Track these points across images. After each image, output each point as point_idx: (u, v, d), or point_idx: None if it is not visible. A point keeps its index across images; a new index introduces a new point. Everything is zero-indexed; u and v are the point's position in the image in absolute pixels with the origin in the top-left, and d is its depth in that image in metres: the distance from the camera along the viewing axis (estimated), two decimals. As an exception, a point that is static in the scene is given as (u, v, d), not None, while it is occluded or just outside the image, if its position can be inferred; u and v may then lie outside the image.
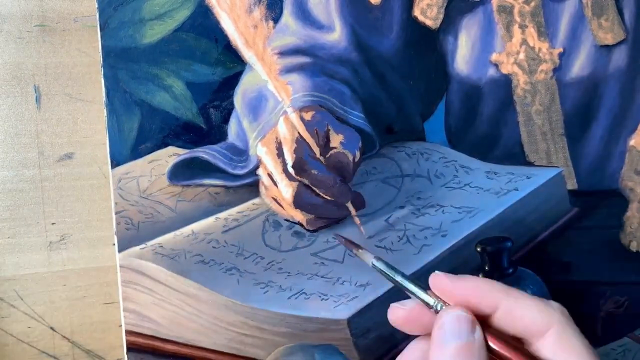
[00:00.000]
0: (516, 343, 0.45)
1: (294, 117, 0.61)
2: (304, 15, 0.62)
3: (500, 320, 0.45)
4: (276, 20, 0.62)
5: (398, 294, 0.66)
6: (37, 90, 0.62)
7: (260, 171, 0.62)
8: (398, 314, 0.47)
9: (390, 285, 0.65)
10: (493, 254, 0.62)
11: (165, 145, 0.61)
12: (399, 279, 0.47)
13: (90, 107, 0.63)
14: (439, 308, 0.45)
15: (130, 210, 0.61)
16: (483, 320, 0.45)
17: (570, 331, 0.44)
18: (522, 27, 0.65)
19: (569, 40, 0.66)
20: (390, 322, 0.47)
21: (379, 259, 0.48)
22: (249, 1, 0.61)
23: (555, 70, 0.66)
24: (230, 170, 0.62)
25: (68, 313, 0.64)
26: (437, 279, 0.46)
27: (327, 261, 0.63)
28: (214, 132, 0.61)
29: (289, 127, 0.61)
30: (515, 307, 0.45)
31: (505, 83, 0.65)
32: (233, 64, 0.61)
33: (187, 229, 0.61)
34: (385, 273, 0.48)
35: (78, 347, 0.64)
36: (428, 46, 0.64)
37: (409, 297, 0.47)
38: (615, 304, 0.69)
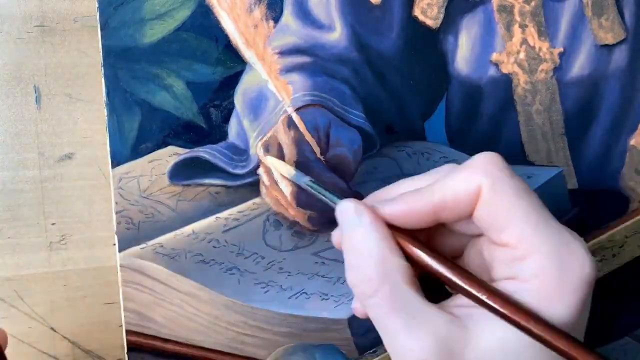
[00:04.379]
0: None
1: (294, 116, 0.62)
2: (305, 14, 0.62)
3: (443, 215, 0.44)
4: (276, 20, 0.62)
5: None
6: (37, 91, 0.62)
7: (260, 171, 0.62)
8: (337, 237, 0.49)
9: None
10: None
11: (166, 144, 0.61)
12: (329, 196, 0.51)
13: (90, 107, 0.63)
14: None
15: (130, 209, 0.60)
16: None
17: (501, 186, 0.42)
18: (523, 26, 0.65)
19: (569, 39, 0.66)
20: (335, 246, 0.49)
21: (311, 180, 0.53)
22: (250, 1, 0.61)
23: (555, 69, 0.66)
24: (230, 169, 0.62)
25: (68, 313, 0.64)
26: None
27: (327, 261, 0.63)
28: (215, 132, 0.61)
29: (289, 126, 0.61)
30: (435, 193, 0.44)
31: (505, 83, 0.65)
32: (233, 64, 0.61)
33: (187, 229, 0.61)
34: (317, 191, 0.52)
35: (78, 347, 0.64)
36: (428, 46, 0.65)
37: None
38: (615, 303, 0.69)
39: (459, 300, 0.44)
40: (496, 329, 0.41)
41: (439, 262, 0.44)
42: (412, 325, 0.41)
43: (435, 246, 0.47)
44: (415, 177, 0.48)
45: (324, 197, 0.51)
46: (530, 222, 0.41)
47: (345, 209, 0.46)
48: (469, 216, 0.43)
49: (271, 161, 0.60)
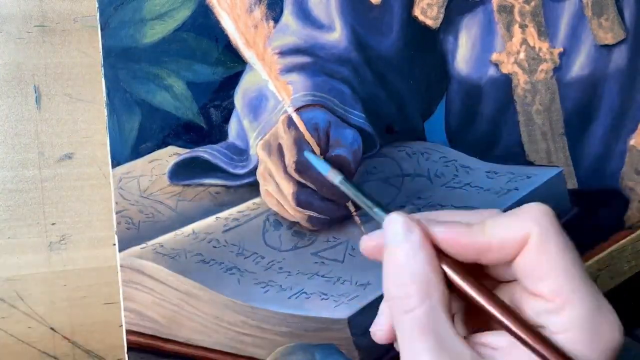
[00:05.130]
0: (473, 277, 0.44)
1: (294, 116, 0.62)
2: (305, 15, 0.62)
3: (486, 254, 0.44)
4: (276, 20, 0.62)
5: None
6: (37, 91, 0.62)
7: (259, 171, 0.62)
8: (368, 244, 0.47)
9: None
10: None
11: (166, 144, 0.61)
12: (365, 200, 0.49)
13: (90, 107, 0.63)
14: None
15: (130, 209, 0.61)
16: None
17: (548, 238, 0.42)
18: (523, 26, 0.65)
19: (569, 39, 0.66)
20: (362, 252, 0.48)
21: (345, 178, 0.52)
22: (250, 1, 0.61)
23: (555, 69, 0.66)
24: (230, 169, 0.62)
25: (68, 313, 0.64)
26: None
27: (327, 261, 0.63)
28: (215, 132, 0.61)
29: (289, 126, 0.61)
30: (486, 232, 0.44)
31: (505, 83, 0.65)
32: (233, 64, 0.61)
33: (187, 229, 0.61)
34: (352, 190, 0.51)
35: (78, 347, 0.64)
36: (428, 46, 0.65)
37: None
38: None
39: (486, 338, 0.44)
40: None
41: (483, 294, 0.44)
42: (437, 352, 0.41)
43: None
44: (468, 212, 0.48)
45: (365, 205, 0.50)
46: (569, 278, 0.41)
47: (394, 222, 0.45)
48: (509, 262, 0.44)
49: (308, 156, 0.59)
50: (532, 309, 0.43)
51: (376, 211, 0.48)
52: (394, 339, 0.47)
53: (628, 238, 0.68)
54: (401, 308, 0.43)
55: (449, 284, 0.44)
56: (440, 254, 0.44)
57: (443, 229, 0.44)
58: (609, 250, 0.67)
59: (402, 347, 0.43)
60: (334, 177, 0.54)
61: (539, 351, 0.41)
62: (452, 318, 0.43)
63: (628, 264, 0.68)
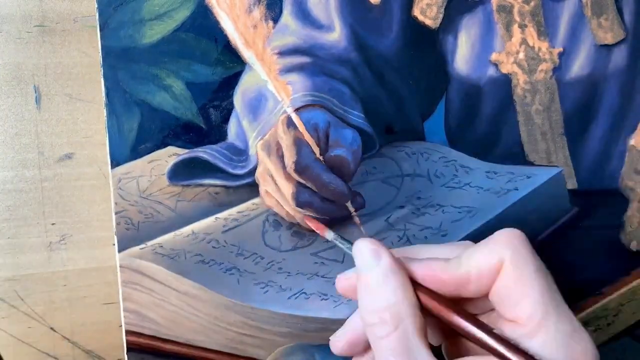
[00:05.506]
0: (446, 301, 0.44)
1: (293, 117, 0.61)
2: (304, 15, 0.62)
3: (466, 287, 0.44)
4: (276, 20, 0.62)
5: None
6: (37, 91, 0.62)
7: (259, 172, 0.62)
8: (343, 283, 0.48)
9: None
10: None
11: (165, 145, 0.61)
12: (347, 246, 0.49)
13: (90, 107, 0.63)
14: None
15: (130, 210, 0.61)
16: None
17: (521, 261, 0.42)
18: (522, 26, 0.65)
19: (568, 39, 0.66)
20: (338, 291, 0.48)
21: (337, 235, 0.51)
22: (249, 1, 0.61)
23: (555, 69, 0.66)
24: (230, 170, 0.62)
25: (68, 313, 0.64)
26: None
27: (327, 261, 0.63)
28: (214, 132, 0.61)
29: (289, 127, 0.61)
30: (463, 264, 0.44)
31: (505, 83, 0.65)
32: (233, 64, 0.61)
33: (187, 229, 0.62)
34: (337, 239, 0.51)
35: (78, 347, 0.64)
36: (428, 46, 0.64)
37: None
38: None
39: (458, 351, 0.45)
40: None
41: (460, 314, 0.44)
42: None
43: None
44: (442, 246, 0.48)
45: (346, 249, 0.50)
46: (543, 302, 0.42)
47: (362, 249, 0.46)
48: (486, 293, 0.44)
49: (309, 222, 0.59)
50: (509, 335, 0.43)
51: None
52: (351, 353, 0.48)
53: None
54: (376, 334, 0.43)
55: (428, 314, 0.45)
56: (415, 284, 0.44)
57: (422, 267, 0.45)
58: (631, 284, 0.68)
59: None
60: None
61: None
62: (427, 341, 0.43)
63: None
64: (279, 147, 0.62)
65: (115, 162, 0.60)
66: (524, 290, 0.42)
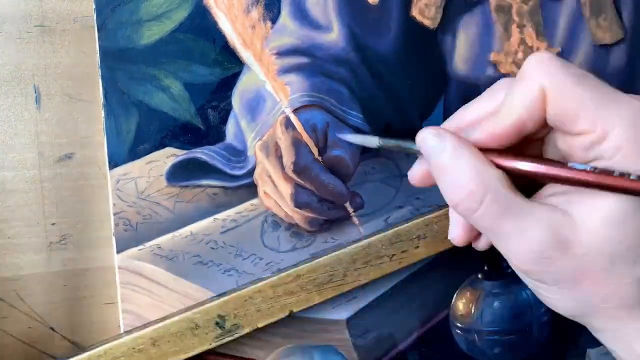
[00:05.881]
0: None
1: (292, 117, 0.61)
2: (302, 15, 0.62)
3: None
4: (274, 20, 0.61)
5: (396, 294, 0.66)
6: (36, 91, 0.62)
7: (257, 173, 0.62)
8: (416, 174, 0.49)
9: (389, 285, 0.66)
10: (492, 254, 0.62)
11: (164, 146, 0.61)
12: (408, 144, 0.50)
13: (90, 107, 0.63)
14: None
15: (128, 211, 0.61)
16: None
17: (560, 79, 0.43)
18: (521, 26, 0.65)
19: (567, 39, 0.65)
20: (414, 185, 0.49)
21: (381, 138, 0.53)
22: (247, 2, 0.61)
23: (554, 69, 0.65)
24: (228, 170, 0.62)
25: (68, 313, 0.64)
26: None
27: (325, 261, 0.63)
28: (212, 133, 0.61)
29: (287, 127, 0.61)
30: (512, 112, 0.44)
31: (504, 82, 0.65)
32: (231, 65, 0.61)
33: (185, 230, 0.61)
34: (394, 145, 0.52)
35: (78, 347, 0.65)
36: (426, 46, 0.64)
37: None
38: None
39: (548, 191, 0.45)
40: (598, 205, 0.42)
41: (535, 162, 0.44)
42: (522, 224, 0.43)
43: None
44: (478, 100, 0.49)
45: (404, 147, 0.51)
46: (598, 103, 0.42)
47: (425, 137, 0.46)
48: (544, 120, 0.44)
49: (351, 138, 0.59)
50: (580, 147, 0.43)
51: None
52: (470, 238, 0.49)
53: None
54: (471, 207, 0.44)
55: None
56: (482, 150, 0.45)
57: (478, 132, 0.45)
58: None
59: (492, 238, 0.45)
60: (375, 142, 0.53)
61: (607, 184, 0.42)
62: (517, 191, 0.44)
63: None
64: (277, 148, 0.62)
65: (114, 163, 0.60)
66: (576, 105, 0.42)
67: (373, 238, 0.62)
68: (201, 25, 0.60)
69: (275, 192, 0.62)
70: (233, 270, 0.62)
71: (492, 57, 0.65)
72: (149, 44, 0.60)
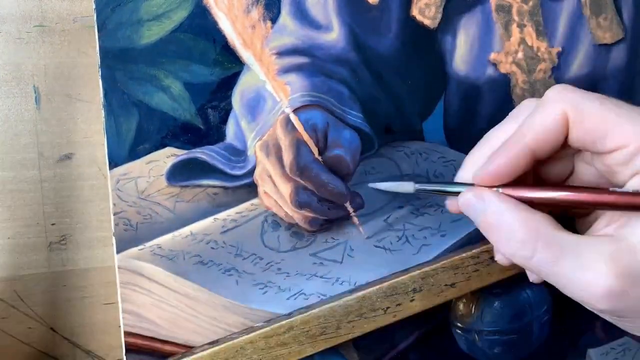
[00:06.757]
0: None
1: (292, 117, 0.61)
2: (302, 15, 0.62)
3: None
4: (274, 20, 0.61)
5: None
6: (36, 91, 0.62)
7: (257, 173, 0.62)
8: (454, 207, 0.52)
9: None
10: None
11: (164, 146, 0.61)
12: (442, 187, 0.53)
13: (89, 107, 0.63)
14: None
15: (128, 211, 0.61)
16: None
17: (582, 106, 0.44)
18: (521, 26, 0.65)
19: (567, 39, 0.66)
20: (451, 211, 0.53)
21: (417, 184, 0.54)
22: (247, 2, 0.61)
23: (553, 69, 0.65)
24: (228, 170, 0.62)
25: (68, 314, 0.64)
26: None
27: (326, 261, 0.63)
28: (212, 133, 0.61)
29: (287, 127, 0.61)
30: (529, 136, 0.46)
31: (503, 82, 0.65)
32: (231, 65, 0.61)
33: (185, 230, 0.61)
34: (431, 190, 0.54)
35: (78, 347, 0.65)
36: (426, 46, 0.64)
37: None
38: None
39: (597, 222, 0.47)
40: None
41: (578, 192, 0.46)
42: (581, 261, 0.43)
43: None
44: (498, 127, 0.51)
45: (443, 191, 0.53)
46: (626, 119, 0.43)
47: (467, 202, 0.48)
48: (562, 143, 0.46)
49: (384, 186, 0.59)
50: (618, 164, 0.44)
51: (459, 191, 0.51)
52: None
53: None
54: (526, 256, 0.45)
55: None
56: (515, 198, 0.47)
57: (488, 167, 0.48)
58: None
59: (554, 282, 0.46)
60: (411, 188, 0.54)
61: None
62: (566, 230, 0.45)
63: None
64: (277, 148, 0.62)
65: (114, 163, 0.60)
66: (604, 123, 0.43)
67: (368, 290, 0.62)
68: (201, 25, 0.60)
69: (276, 192, 0.62)
70: (233, 270, 0.61)
71: (492, 56, 0.65)
72: (149, 44, 0.60)
